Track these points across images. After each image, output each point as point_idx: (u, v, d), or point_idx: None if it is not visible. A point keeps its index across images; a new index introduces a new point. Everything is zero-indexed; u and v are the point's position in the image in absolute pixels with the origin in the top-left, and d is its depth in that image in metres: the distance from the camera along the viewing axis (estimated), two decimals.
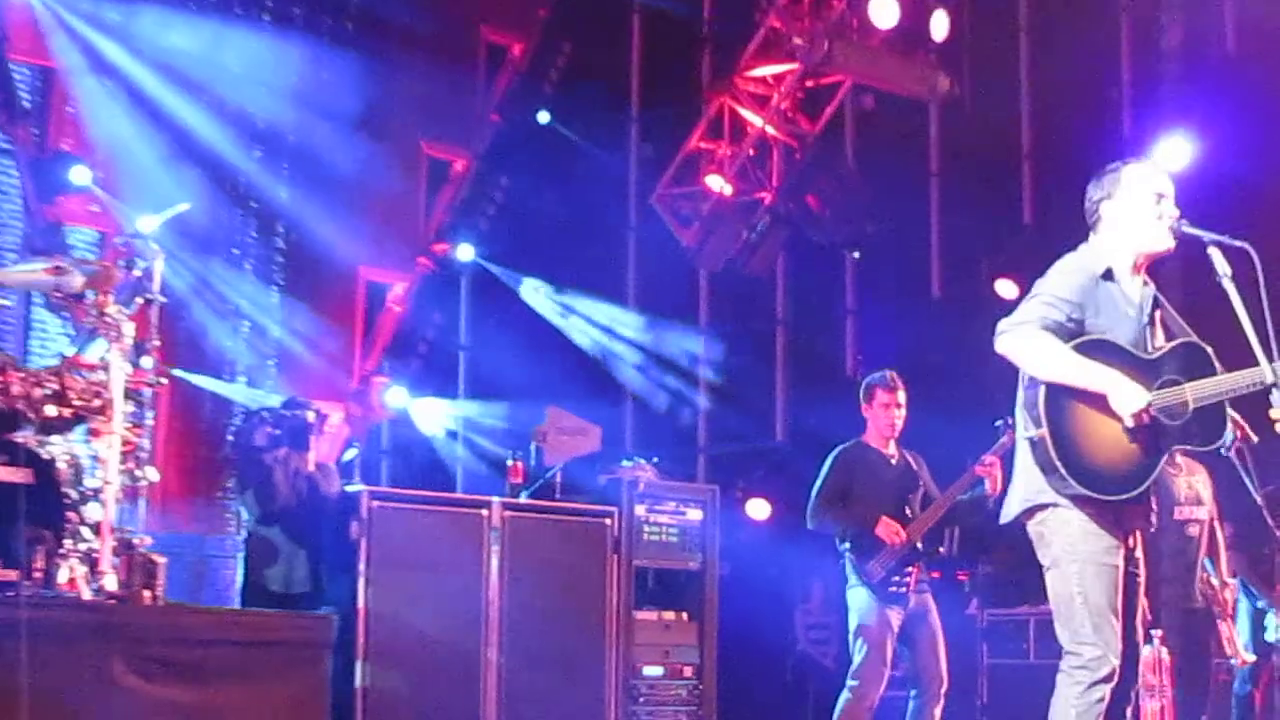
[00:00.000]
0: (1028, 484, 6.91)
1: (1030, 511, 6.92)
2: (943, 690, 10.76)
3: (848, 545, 10.92)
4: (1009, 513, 7.17)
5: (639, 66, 20.94)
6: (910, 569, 10.69)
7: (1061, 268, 6.99)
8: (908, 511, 10.86)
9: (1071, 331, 6.74)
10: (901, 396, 11.13)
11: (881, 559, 10.68)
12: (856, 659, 10.94)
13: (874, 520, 10.78)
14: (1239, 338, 6.62)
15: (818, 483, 11.21)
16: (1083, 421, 6.70)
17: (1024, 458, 6.93)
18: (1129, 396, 6.63)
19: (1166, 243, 6.99)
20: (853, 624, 11.05)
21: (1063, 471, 6.65)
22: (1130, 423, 6.65)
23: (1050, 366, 6.71)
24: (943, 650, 10.84)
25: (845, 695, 10.85)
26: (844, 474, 11.17)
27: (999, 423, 10.47)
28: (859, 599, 10.98)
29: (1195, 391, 6.77)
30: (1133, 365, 6.78)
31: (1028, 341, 6.74)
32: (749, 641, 14.48)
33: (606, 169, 20.49)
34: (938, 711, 10.73)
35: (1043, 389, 6.71)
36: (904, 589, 10.69)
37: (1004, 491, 10.19)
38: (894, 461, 11.09)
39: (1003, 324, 6.85)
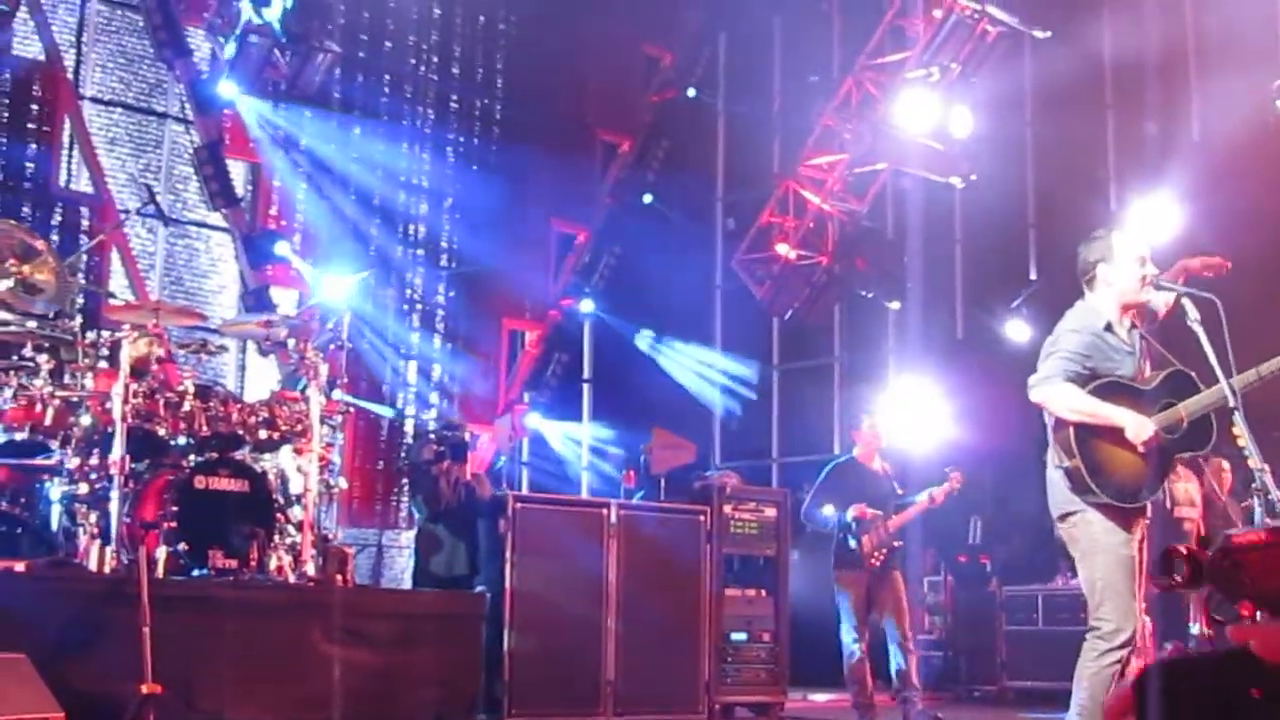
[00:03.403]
0: (1056, 497, 6.86)
1: (1061, 518, 6.85)
2: (908, 636, 10.90)
3: (842, 533, 11.00)
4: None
5: (723, 158, 21.02)
6: (882, 550, 10.83)
7: (1071, 326, 6.92)
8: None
9: (1085, 377, 6.73)
10: (881, 427, 11.29)
11: (869, 538, 10.84)
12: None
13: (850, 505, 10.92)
14: (1203, 366, 6.57)
15: (813, 490, 11.39)
16: (1105, 450, 6.68)
17: (1053, 477, 6.86)
18: (1140, 429, 6.63)
19: (1150, 296, 6.93)
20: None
21: (1096, 490, 6.63)
22: (1143, 449, 6.63)
23: (1077, 411, 6.68)
24: (906, 608, 10.99)
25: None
26: (835, 484, 11.24)
27: (948, 469, 10.85)
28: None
29: (1187, 409, 6.74)
30: (1137, 397, 6.77)
31: (1056, 392, 6.73)
32: (814, 612, 14.33)
33: (697, 239, 20.59)
34: (912, 662, 10.84)
35: (1072, 429, 6.69)
36: (876, 563, 10.83)
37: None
38: (880, 474, 11.21)
39: (1033, 379, 6.84)
